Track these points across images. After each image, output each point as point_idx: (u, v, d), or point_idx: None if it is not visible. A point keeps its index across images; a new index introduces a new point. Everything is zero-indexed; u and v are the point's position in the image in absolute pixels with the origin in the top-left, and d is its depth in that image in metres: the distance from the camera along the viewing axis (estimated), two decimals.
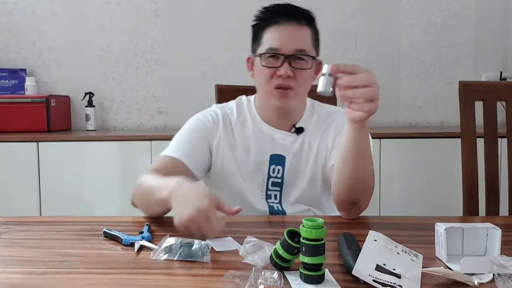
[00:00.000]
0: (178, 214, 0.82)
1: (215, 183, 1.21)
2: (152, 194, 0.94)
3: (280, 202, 1.20)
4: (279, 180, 1.20)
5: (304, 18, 1.18)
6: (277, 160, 1.19)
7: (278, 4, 1.18)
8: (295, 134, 1.21)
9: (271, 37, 1.14)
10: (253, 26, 1.19)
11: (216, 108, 1.26)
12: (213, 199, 0.82)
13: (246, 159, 1.19)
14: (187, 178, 0.92)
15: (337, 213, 1.09)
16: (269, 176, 1.19)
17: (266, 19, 1.16)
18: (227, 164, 1.19)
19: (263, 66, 1.14)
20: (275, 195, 1.20)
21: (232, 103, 1.28)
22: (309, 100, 1.27)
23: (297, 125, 1.21)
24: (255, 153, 1.19)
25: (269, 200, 1.19)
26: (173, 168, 1.11)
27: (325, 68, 0.87)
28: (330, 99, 1.31)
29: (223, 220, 0.83)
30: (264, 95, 1.19)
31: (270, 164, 1.19)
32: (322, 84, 0.87)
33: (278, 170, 1.19)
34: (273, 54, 1.13)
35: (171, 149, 1.16)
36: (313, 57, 1.17)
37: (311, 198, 1.20)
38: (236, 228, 0.90)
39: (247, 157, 1.19)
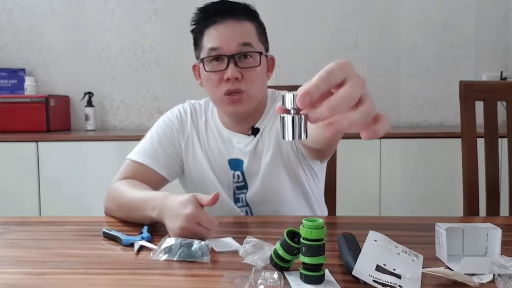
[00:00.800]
0: (171, 229, 0.84)
1: (192, 185, 1.19)
2: (138, 211, 0.94)
3: (247, 205, 1.16)
4: (242, 183, 1.16)
5: (243, 12, 1.08)
6: (236, 165, 1.15)
7: (213, 2, 1.09)
8: (252, 136, 1.15)
9: (210, 38, 1.06)
10: (192, 31, 1.12)
11: (187, 105, 1.22)
12: (194, 203, 0.83)
13: (214, 161, 1.16)
14: (162, 188, 1.00)
15: (305, 213, 1.13)
16: (233, 181, 1.16)
17: (202, 20, 1.09)
18: (200, 165, 1.16)
19: (208, 71, 1.07)
20: (242, 198, 1.17)
21: (202, 102, 1.23)
22: (270, 94, 1.19)
23: (255, 126, 1.15)
24: (218, 158, 1.16)
25: (237, 204, 1.17)
26: (143, 174, 1.10)
27: (287, 101, 0.51)
28: None
29: (214, 218, 0.83)
30: (215, 103, 1.14)
31: (231, 169, 1.16)
32: (288, 129, 0.51)
33: (238, 175, 1.16)
34: (216, 56, 1.05)
35: (139, 154, 1.13)
36: (261, 53, 1.08)
37: (276, 199, 1.15)
38: (236, 228, 0.90)
39: (214, 160, 1.16)
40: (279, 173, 1.14)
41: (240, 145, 1.14)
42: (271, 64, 1.14)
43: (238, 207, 1.16)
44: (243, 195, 1.16)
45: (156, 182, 1.13)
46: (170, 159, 1.16)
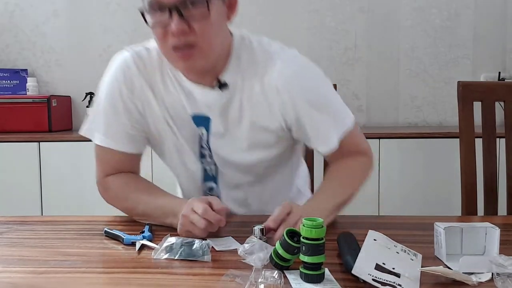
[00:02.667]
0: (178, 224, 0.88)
1: (156, 146, 1.08)
2: (152, 218, 0.96)
3: (215, 164, 1.05)
4: (206, 144, 1.03)
5: None
6: (201, 121, 1.00)
7: None
8: (219, 90, 0.97)
9: None
10: None
11: (129, 57, 1.01)
12: (199, 199, 0.87)
13: (176, 117, 1.01)
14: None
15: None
16: (199, 138, 1.03)
17: None
18: (160, 123, 1.02)
19: (151, 24, 0.90)
20: (210, 155, 1.04)
21: (151, 46, 1.03)
22: (238, 40, 0.99)
23: (222, 79, 0.96)
24: (181, 112, 1.00)
25: (203, 160, 1.05)
26: (120, 163, 1.05)
27: (256, 232, 0.81)
28: None
29: (210, 214, 0.84)
30: (166, 59, 0.96)
31: (197, 126, 1.01)
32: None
33: (202, 132, 1.01)
34: (155, 5, 0.87)
35: (104, 135, 1.02)
36: None
37: (249, 180, 1.06)
38: (236, 228, 0.91)
39: (176, 114, 1.01)
40: (257, 146, 1.02)
41: (206, 99, 0.98)
42: (231, 3, 0.95)
43: (203, 163, 1.05)
44: (208, 151, 1.04)
45: (132, 159, 1.06)
46: (132, 131, 1.02)
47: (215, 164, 1.05)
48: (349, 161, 1.03)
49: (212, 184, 1.09)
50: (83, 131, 1.06)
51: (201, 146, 1.03)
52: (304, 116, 0.97)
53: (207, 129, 1.00)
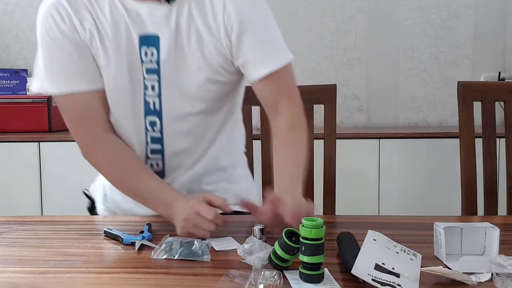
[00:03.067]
0: (177, 224, 0.87)
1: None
2: (146, 202, 0.97)
3: (159, 95, 0.97)
4: (155, 66, 0.95)
5: None
6: (148, 41, 0.93)
7: None
8: (166, 3, 0.92)
9: None
10: None
11: None
12: (200, 198, 0.86)
13: (112, 46, 0.94)
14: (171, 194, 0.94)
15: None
16: (141, 61, 0.94)
17: None
18: (103, 52, 0.95)
19: None
20: (153, 86, 0.97)
21: None
22: None
23: None
24: (124, 35, 0.93)
25: (147, 91, 0.97)
26: (88, 108, 0.97)
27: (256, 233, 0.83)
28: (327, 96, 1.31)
29: (219, 215, 0.84)
30: None
31: (140, 46, 0.94)
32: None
33: (152, 52, 0.94)
34: None
35: (57, 83, 0.95)
36: None
37: (194, 111, 0.99)
38: (236, 228, 0.91)
39: (113, 43, 0.94)
40: (201, 68, 0.96)
41: (153, 16, 0.92)
42: None
43: (146, 94, 0.98)
44: (155, 83, 0.97)
45: (97, 98, 0.98)
46: (82, 65, 0.95)
47: (159, 96, 0.97)
48: (290, 135, 0.98)
49: (155, 118, 1.00)
50: (35, 89, 0.97)
51: (144, 78, 0.96)
52: (246, 37, 0.94)
53: (158, 49, 0.94)
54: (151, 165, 1.04)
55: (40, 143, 2.17)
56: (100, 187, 1.17)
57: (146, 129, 1.01)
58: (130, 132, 1.01)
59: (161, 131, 1.00)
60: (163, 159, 1.03)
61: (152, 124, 1.00)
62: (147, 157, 1.03)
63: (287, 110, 0.99)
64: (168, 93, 0.97)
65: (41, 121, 2.34)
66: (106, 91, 0.98)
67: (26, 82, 2.54)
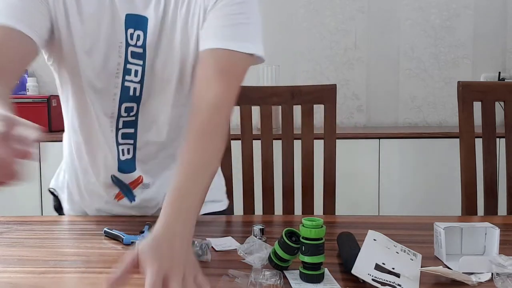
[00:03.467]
0: None
1: (57, 62, 0.95)
2: None
3: (141, 81, 0.91)
4: (140, 51, 0.88)
5: None
6: (136, 22, 0.87)
7: None
8: None
9: None
10: None
11: None
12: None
13: (90, 28, 0.87)
14: None
15: None
16: (127, 44, 0.87)
17: None
18: (65, 34, 0.88)
19: None
20: (136, 71, 0.90)
21: None
22: None
23: None
24: (100, 11, 0.86)
25: (126, 77, 0.90)
26: (9, 40, 0.85)
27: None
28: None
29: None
30: None
31: (127, 28, 0.87)
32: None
33: (138, 36, 0.88)
34: None
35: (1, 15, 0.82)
36: None
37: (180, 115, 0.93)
38: (236, 228, 0.91)
39: (93, 16, 0.86)
40: (187, 60, 0.90)
41: None
42: None
43: (127, 80, 0.91)
44: (138, 67, 0.90)
45: (24, 49, 0.89)
46: (38, 16, 0.86)
47: (140, 82, 0.91)
48: (208, 125, 0.80)
49: (132, 104, 0.93)
50: None
51: (128, 62, 0.89)
52: (213, 12, 0.87)
53: (145, 32, 0.88)
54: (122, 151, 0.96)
55: (40, 142, 2.17)
56: (65, 185, 1.08)
57: (120, 115, 0.93)
58: (100, 114, 0.93)
59: (136, 115, 0.94)
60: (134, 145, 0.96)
61: (128, 109, 0.93)
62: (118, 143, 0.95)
63: (215, 94, 0.83)
64: (150, 80, 0.91)
65: (41, 121, 2.34)
66: (74, 66, 0.91)
67: (26, 82, 2.54)
